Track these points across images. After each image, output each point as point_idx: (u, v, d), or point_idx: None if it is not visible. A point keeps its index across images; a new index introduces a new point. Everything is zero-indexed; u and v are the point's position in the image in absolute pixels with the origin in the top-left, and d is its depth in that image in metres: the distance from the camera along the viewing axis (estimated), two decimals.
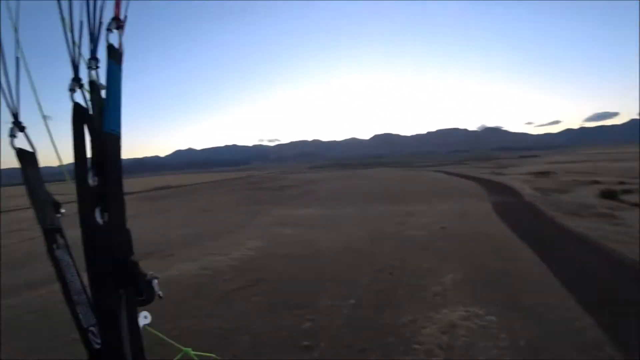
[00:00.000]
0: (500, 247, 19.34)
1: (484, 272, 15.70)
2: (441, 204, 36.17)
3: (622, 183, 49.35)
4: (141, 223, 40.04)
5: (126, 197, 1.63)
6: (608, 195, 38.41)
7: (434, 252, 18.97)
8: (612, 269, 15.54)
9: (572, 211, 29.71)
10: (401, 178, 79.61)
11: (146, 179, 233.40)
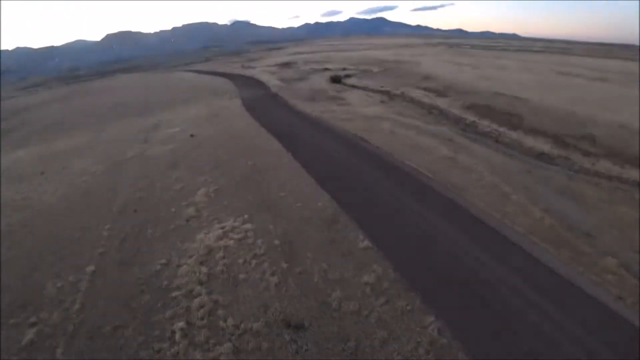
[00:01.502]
0: (250, 144, 19.34)
1: (237, 175, 15.25)
2: (191, 109, 33.51)
3: (344, 69, 59.03)
4: None
5: None
6: (335, 80, 44.99)
7: (184, 168, 17.06)
8: (340, 146, 18.01)
9: (310, 97, 33.20)
10: (148, 84, 69.13)
11: None
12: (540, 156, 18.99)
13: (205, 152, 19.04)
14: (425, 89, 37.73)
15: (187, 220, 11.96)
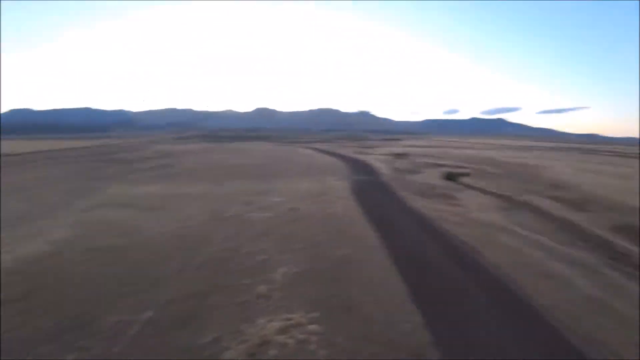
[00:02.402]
0: (347, 230, 18.22)
1: (324, 262, 13.98)
2: (301, 182, 34.94)
3: (460, 167, 56.55)
4: None
5: None
6: (449, 177, 42.85)
7: (273, 239, 16.67)
8: (446, 254, 15.64)
9: (420, 191, 31.59)
10: (271, 153, 77.07)
11: None
12: None
13: (300, 228, 18.59)
14: (555, 198, 32.84)
15: (257, 298, 10.97)
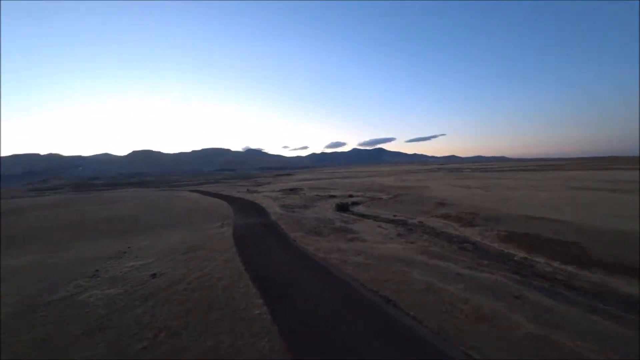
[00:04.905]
0: (223, 303, 12.90)
1: None
2: (175, 234, 27.90)
3: (351, 196, 56.06)
4: None
5: None
6: (342, 208, 40.73)
7: (107, 337, 10.40)
8: (357, 316, 11.70)
9: (314, 229, 28.09)
10: (148, 201, 65.64)
11: None
12: None
13: (155, 311, 12.54)
14: (444, 217, 33.01)
15: None
